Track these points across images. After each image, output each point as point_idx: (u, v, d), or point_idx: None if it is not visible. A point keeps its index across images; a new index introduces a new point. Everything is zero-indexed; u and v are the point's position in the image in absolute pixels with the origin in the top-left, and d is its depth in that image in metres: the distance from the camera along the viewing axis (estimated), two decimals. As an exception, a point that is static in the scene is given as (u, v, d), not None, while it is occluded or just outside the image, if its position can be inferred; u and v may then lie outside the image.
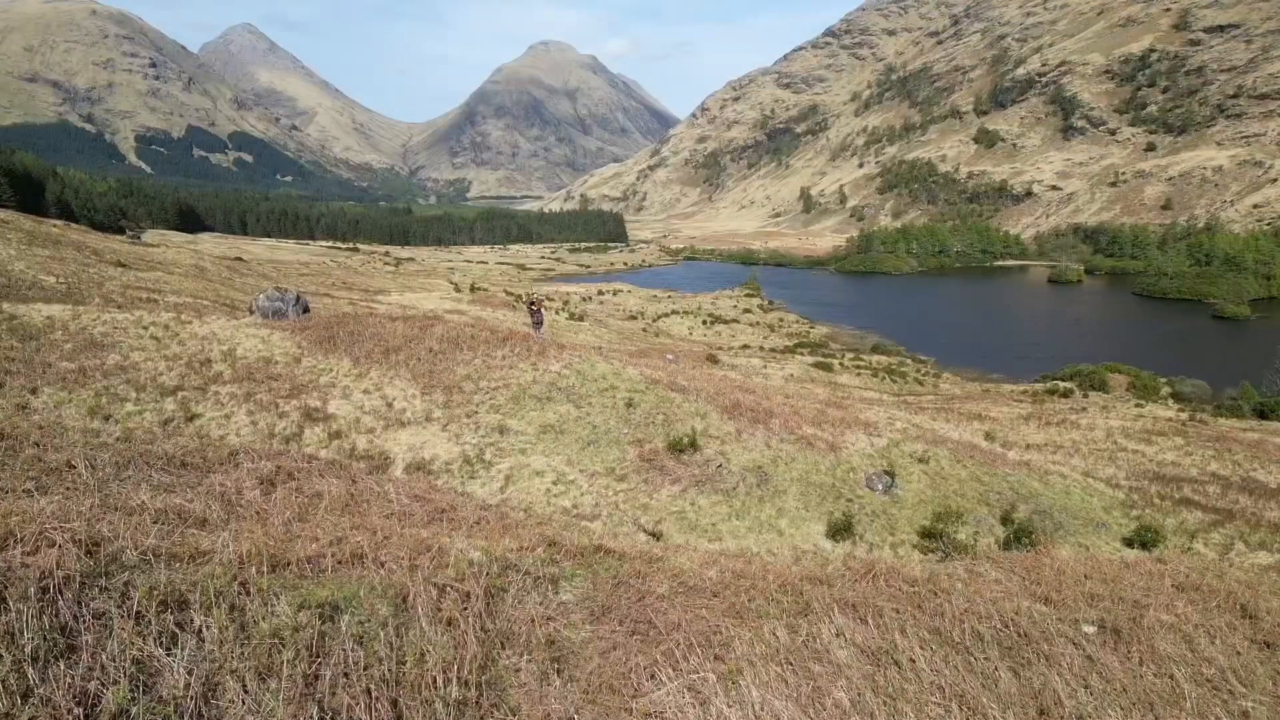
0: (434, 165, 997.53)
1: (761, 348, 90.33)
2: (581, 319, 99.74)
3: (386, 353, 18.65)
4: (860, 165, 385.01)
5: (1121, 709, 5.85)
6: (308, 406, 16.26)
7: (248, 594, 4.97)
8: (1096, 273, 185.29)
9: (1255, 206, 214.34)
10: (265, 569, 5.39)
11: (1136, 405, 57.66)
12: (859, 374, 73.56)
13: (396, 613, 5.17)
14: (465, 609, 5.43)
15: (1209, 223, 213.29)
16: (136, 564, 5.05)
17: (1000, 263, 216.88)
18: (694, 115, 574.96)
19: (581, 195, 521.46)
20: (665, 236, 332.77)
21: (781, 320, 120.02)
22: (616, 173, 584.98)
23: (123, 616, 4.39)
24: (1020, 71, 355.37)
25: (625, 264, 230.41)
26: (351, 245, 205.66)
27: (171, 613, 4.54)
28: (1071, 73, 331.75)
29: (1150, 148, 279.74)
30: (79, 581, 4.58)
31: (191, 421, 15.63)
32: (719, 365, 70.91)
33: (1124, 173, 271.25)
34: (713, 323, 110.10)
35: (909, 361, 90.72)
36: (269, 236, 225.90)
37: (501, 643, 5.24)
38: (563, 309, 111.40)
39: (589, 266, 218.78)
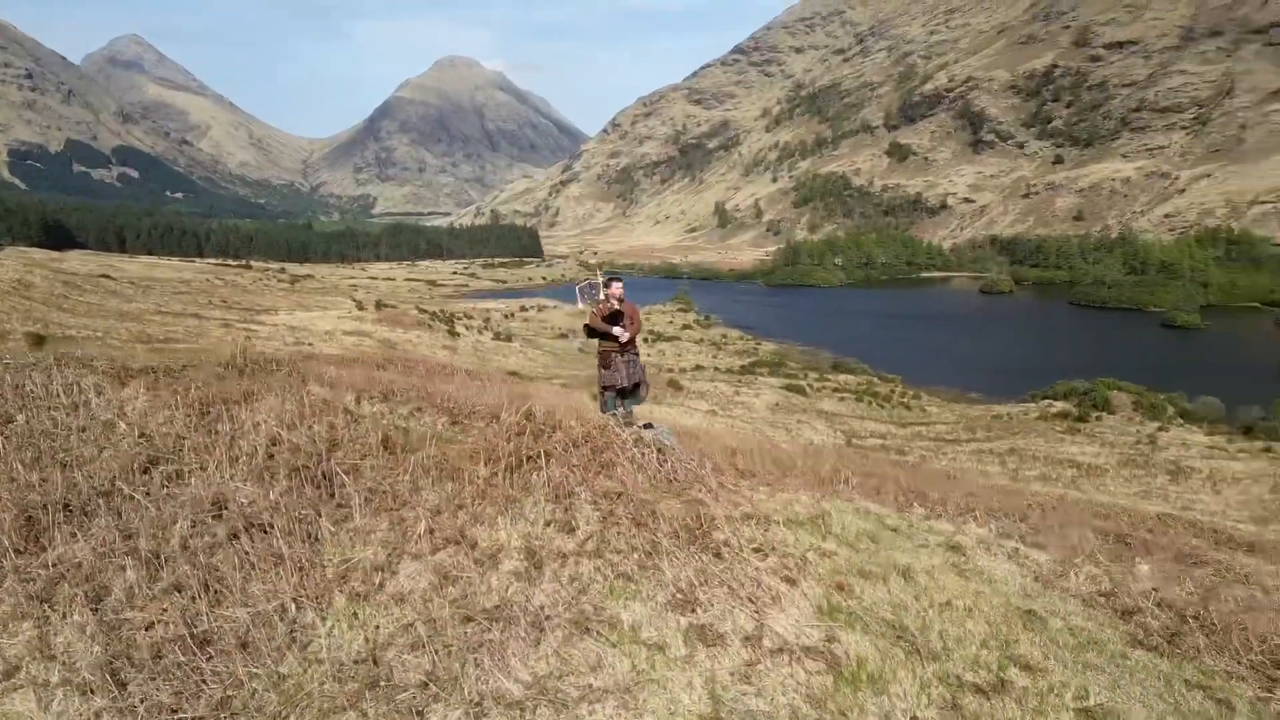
0: (337, 181, 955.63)
1: (717, 368, 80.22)
2: (509, 339, 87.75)
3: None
4: (774, 180, 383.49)
5: None
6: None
7: None
8: (1024, 283, 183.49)
9: (1166, 216, 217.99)
10: None
11: (1215, 435, 49.46)
12: (841, 399, 64.11)
13: None
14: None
15: (1122, 232, 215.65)
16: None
17: (925, 274, 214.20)
18: (605, 131, 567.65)
19: (492, 211, 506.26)
20: (582, 251, 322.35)
21: (725, 337, 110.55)
22: (528, 188, 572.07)
23: None
24: (928, 87, 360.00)
25: (544, 279, 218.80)
26: (244, 263, 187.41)
27: None
28: (978, 88, 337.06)
29: (1058, 160, 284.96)
30: None
31: None
32: (683, 392, 60.36)
33: (1035, 185, 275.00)
34: (654, 340, 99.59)
35: (877, 381, 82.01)
36: (151, 254, 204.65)
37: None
38: (485, 328, 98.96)
39: (505, 282, 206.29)
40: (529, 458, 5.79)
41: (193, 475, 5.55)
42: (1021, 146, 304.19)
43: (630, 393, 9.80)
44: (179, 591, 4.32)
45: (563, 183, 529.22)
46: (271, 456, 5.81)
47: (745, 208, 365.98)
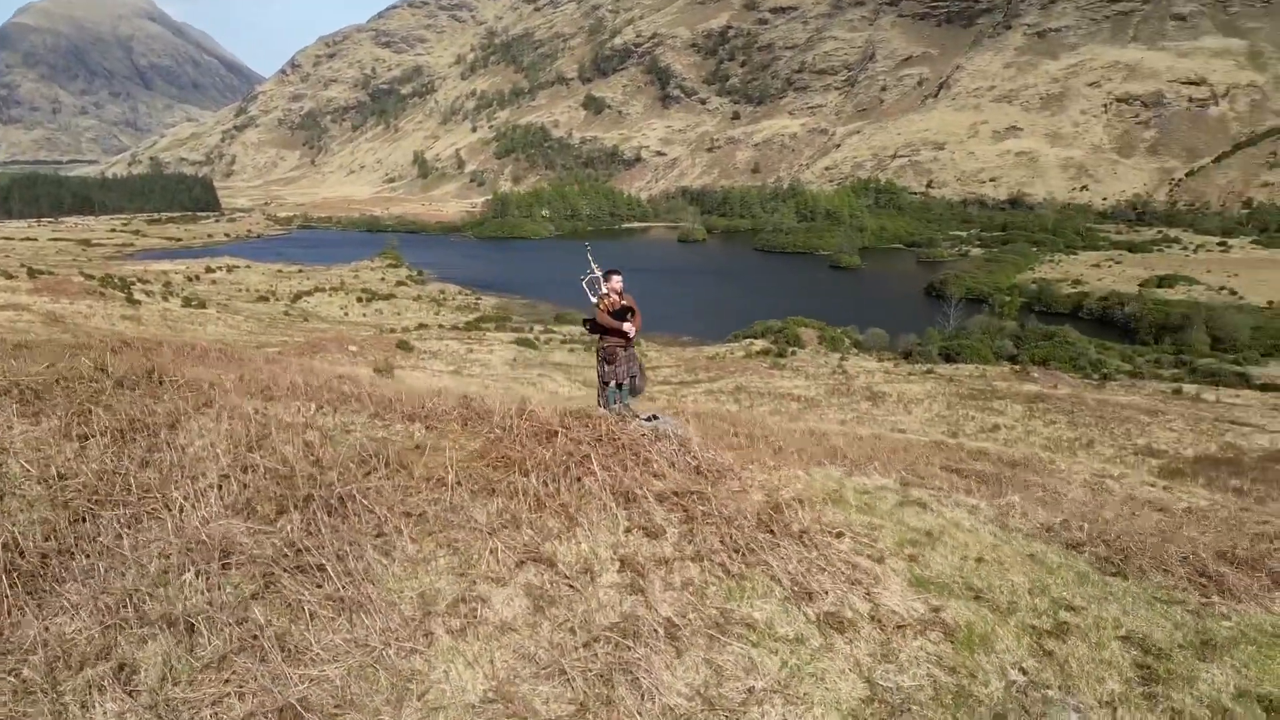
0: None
1: (441, 326, 78.40)
2: (204, 305, 78.86)
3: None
4: (474, 129, 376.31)
5: None
6: None
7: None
8: (715, 231, 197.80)
9: (827, 169, 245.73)
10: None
11: (884, 361, 57.10)
12: (571, 350, 65.68)
13: None
14: None
15: (792, 184, 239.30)
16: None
17: (627, 225, 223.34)
18: (284, 72, 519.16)
19: (152, 158, 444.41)
20: (268, 204, 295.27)
21: (443, 293, 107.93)
22: (195, 133, 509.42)
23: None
24: (617, 41, 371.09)
25: (227, 235, 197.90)
26: None
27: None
28: (663, 45, 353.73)
29: (736, 116, 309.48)
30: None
31: None
32: (414, 353, 58.38)
33: (718, 139, 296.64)
34: (369, 299, 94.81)
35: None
36: None
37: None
38: (169, 293, 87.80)
39: (180, 240, 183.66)
40: (579, 461, 5.54)
41: (153, 519, 4.63)
42: (704, 103, 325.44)
43: (630, 387, 9.58)
44: (235, 656, 3.66)
45: (237, 128, 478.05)
46: (246, 486, 4.98)
47: (446, 158, 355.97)
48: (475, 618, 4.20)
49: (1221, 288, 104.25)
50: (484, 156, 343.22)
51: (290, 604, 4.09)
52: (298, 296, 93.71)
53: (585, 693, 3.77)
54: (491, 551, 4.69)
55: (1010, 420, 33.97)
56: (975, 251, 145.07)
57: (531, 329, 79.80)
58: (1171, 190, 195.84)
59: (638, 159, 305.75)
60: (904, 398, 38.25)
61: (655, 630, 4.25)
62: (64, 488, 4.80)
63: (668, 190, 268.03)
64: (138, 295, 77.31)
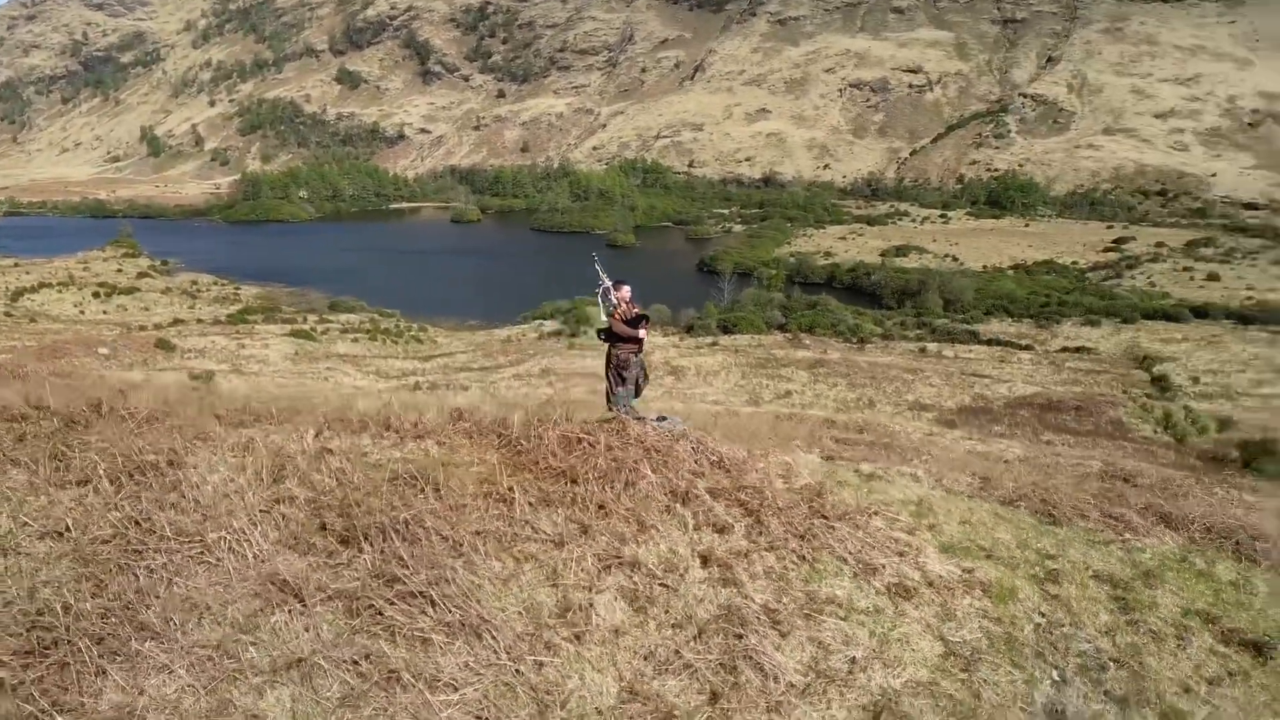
0: None
1: (201, 320, 71.66)
2: (-107, 310, 66.63)
3: None
4: (212, 103, 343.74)
5: None
6: None
7: None
8: (489, 211, 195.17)
9: (595, 148, 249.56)
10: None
11: (669, 336, 59.23)
12: (354, 340, 62.65)
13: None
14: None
15: (562, 163, 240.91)
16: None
17: (395, 205, 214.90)
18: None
19: None
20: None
21: (196, 284, 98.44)
22: None
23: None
24: (370, 12, 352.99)
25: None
26: None
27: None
28: (420, 18, 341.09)
29: (501, 95, 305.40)
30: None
31: None
32: (177, 351, 53.11)
33: (484, 117, 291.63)
34: (109, 294, 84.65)
35: (379, 317, 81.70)
36: None
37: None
38: None
39: None
40: (631, 466, 5.48)
41: (199, 563, 4.10)
42: (468, 80, 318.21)
43: (635, 389, 9.85)
44: (368, 692, 3.39)
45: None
46: (287, 519, 4.51)
47: (181, 134, 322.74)
48: (588, 624, 4.26)
49: (946, 255, 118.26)
50: (227, 133, 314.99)
51: (402, 633, 3.94)
52: (18, 294, 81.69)
53: (712, 681, 3.99)
54: (577, 560, 4.74)
55: (799, 385, 37.05)
56: (738, 228, 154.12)
57: (305, 319, 75.12)
58: (899, 168, 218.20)
59: (401, 136, 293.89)
60: (702, 370, 40.43)
61: (759, 617, 4.54)
62: (90, 540, 4.22)
63: (435, 169, 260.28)
64: None
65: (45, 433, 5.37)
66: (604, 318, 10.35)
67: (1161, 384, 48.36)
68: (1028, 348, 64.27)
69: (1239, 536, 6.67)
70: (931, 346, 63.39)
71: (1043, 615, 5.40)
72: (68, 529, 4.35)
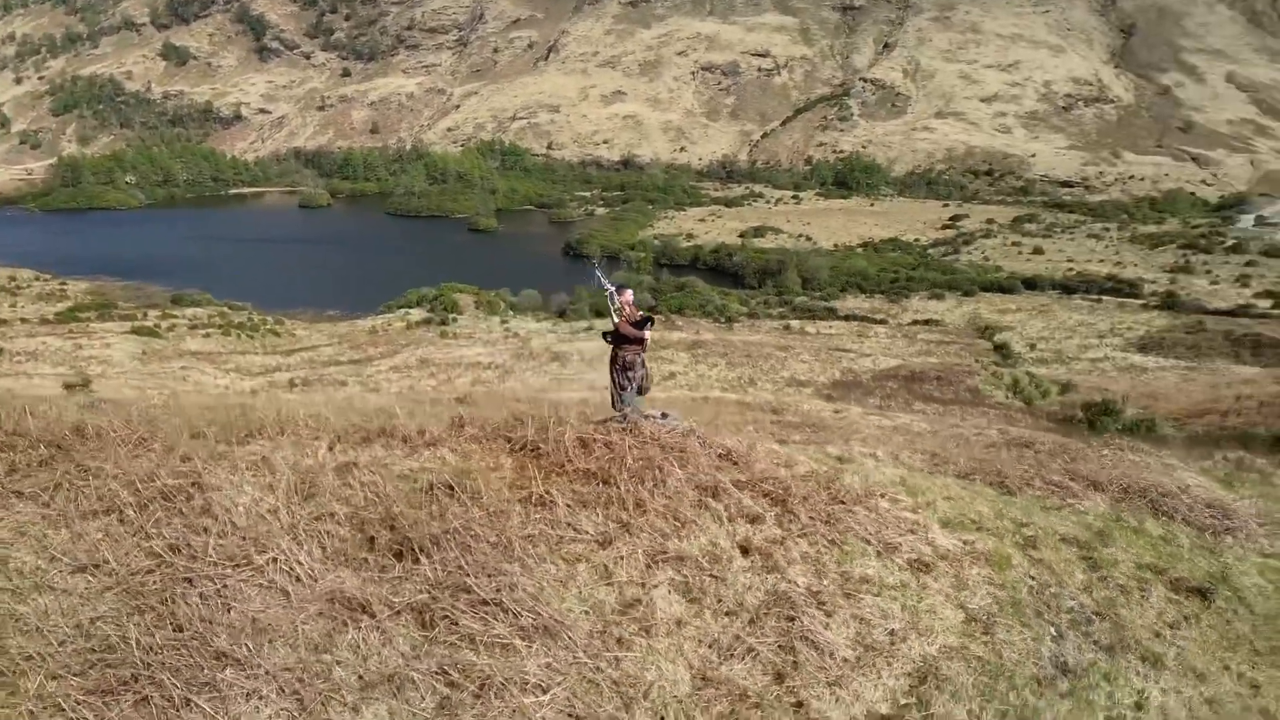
0: None
1: (25, 320, 65.34)
2: None
3: None
4: (19, 81, 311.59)
5: None
6: None
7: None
8: (340, 195, 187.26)
9: (449, 130, 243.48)
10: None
11: (543, 321, 58.81)
12: (206, 335, 58.91)
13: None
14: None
15: (415, 145, 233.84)
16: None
17: (236, 190, 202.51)
18: None
19: None
20: None
21: (14, 279, 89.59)
22: None
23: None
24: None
25: None
26: None
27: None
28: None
29: (347, 74, 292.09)
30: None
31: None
32: (5, 356, 48.36)
33: (329, 97, 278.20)
34: (-91, 296, 75.67)
35: (229, 311, 77.10)
36: None
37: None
38: None
39: None
40: (659, 465, 5.51)
41: (252, 585, 3.88)
42: (309, 57, 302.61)
43: (639, 388, 9.98)
44: (466, 701, 3.38)
45: None
46: (330, 535, 4.31)
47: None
48: (652, 618, 4.41)
49: (800, 235, 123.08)
50: (37, 113, 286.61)
51: (482, 641, 3.97)
52: None
53: (775, 662, 4.25)
54: (626, 557, 4.86)
55: (682, 367, 37.89)
56: (600, 211, 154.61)
57: (146, 315, 69.86)
58: (751, 150, 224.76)
59: (238, 117, 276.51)
60: (585, 356, 40.56)
61: (806, 599, 4.83)
62: (129, 570, 3.98)
63: (278, 152, 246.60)
64: None
65: (37, 461, 4.98)
66: (611, 320, 10.44)
67: (1003, 351, 52.61)
68: (882, 321, 68.11)
69: (1151, 495, 7.62)
70: (795, 324, 66.12)
71: (1033, 579, 6.02)
72: (104, 560, 4.11)
